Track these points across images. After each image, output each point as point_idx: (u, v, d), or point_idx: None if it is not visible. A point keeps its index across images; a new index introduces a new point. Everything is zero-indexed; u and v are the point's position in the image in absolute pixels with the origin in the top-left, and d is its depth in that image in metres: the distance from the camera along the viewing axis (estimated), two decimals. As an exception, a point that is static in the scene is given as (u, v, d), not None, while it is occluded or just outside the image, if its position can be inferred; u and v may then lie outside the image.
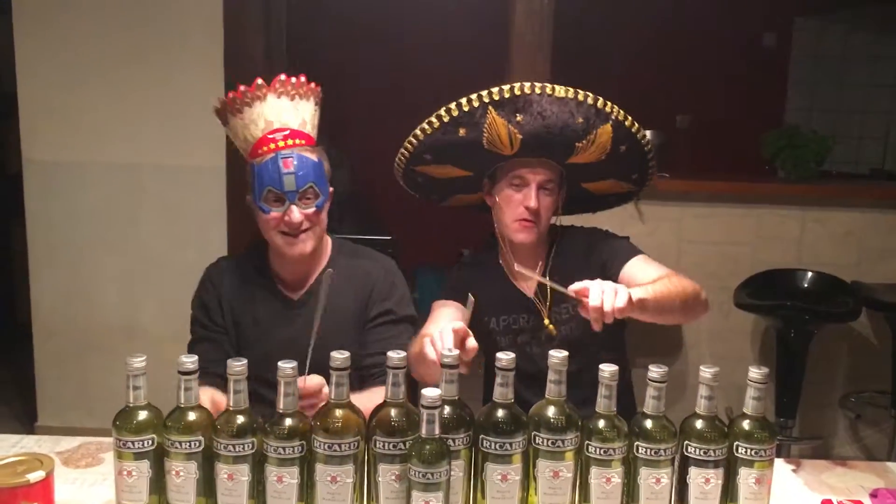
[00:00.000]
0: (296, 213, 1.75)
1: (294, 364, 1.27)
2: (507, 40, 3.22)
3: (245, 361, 1.29)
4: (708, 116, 4.71)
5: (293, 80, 1.79)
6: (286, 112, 1.78)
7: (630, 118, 1.79)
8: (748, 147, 3.66)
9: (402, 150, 1.88)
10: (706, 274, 3.09)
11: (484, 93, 1.74)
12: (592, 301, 1.49)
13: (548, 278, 1.80)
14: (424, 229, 3.34)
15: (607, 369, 1.29)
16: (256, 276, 1.90)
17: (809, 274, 3.14)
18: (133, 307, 3.34)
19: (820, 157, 3.36)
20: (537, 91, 1.73)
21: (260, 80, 1.77)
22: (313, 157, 1.78)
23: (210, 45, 3.15)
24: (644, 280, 1.75)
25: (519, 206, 1.86)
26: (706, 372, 1.31)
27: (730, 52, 4.79)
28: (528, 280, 1.95)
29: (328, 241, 1.93)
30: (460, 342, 1.43)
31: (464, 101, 1.76)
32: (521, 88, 1.73)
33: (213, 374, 1.71)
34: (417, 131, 1.82)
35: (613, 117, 1.77)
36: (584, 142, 1.79)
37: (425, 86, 4.56)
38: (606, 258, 1.91)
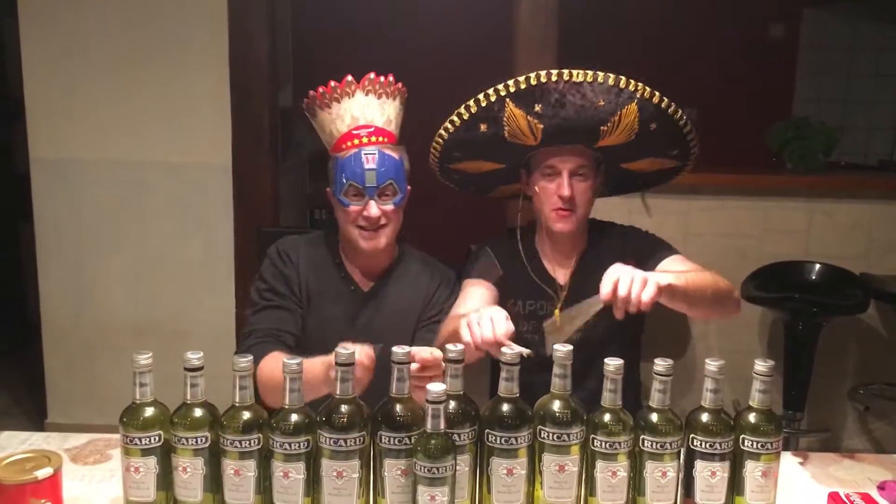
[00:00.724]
0: (374, 209, 1.79)
1: (299, 360, 1.27)
2: (511, 36, 3.21)
3: (250, 358, 1.29)
4: (715, 109, 4.69)
5: (381, 79, 1.84)
6: (372, 109, 1.82)
7: (658, 94, 1.74)
8: (755, 139, 3.64)
9: (432, 151, 1.90)
10: (713, 266, 3.06)
11: (500, 86, 1.74)
12: (620, 291, 1.49)
13: (575, 273, 1.87)
14: (432, 225, 3.34)
15: (612, 363, 1.29)
16: (328, 260, 1.92)
17: (817, 266, 3.12)
18: (141, 304, 3.35)
19: (828, 148, 3.34)
20: (553, 79, 1.71)
21: (350, 77, 1.82)
22: (395, 155, 1.82)
23: (215, 44, 3.15)
24: None
25: (553, 195, 1.85)
26: (712, 365, 1.31)
27: (737, 44, 4.76)
28: (564, 268, 1.94)
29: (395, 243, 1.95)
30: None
31: (481, 96, 1.76)
32: (538, 77, 1.71)
33: (284, 343, 1.77)
34: (441, 131, 1.84)
35: (638, 96, 1.73)
36: (608, 124, 1.76)
37: (431, 83, 4.57)
38: (641, 256, 1.89)
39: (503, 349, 1.31)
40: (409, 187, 1.87)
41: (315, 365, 1.47)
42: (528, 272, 1.94)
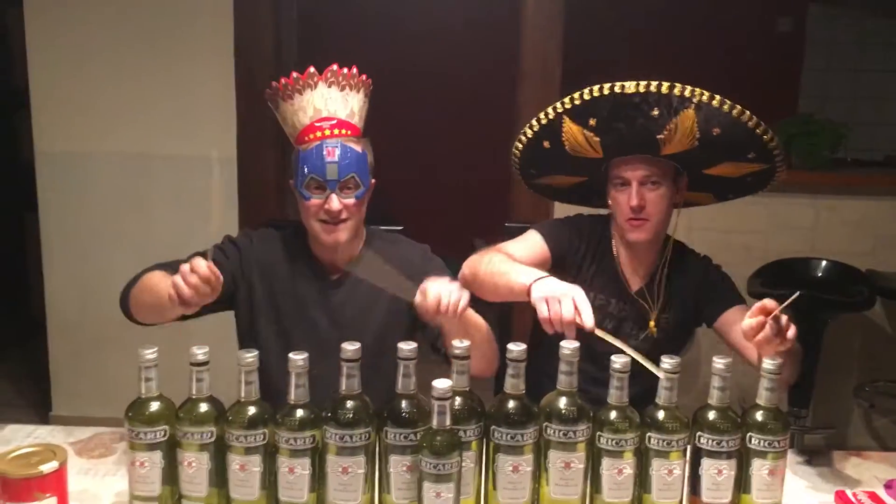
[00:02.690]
0: (335, 202, 1.76)
1: (305, 355, 1.27)
2: (518, 30, 3.20)
3: (255, 353, 1.29)
4: (721, 104, 4.68)
5: (344, 70, 1.81)
6: (335, 101, 1.79)
7: (718, 97, 1.67)
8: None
9: (514, 170, 1.95)
10: (718, 263, 3.07)
11: (558, 103, 1.75)
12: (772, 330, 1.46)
13: (658, 286, 1.91)
14: (434, 219, 3.34)
15: (619, 360, 1.28)
16: (299, 253, 1.91)
17: (823, 262, 3.11)
18: (146, 297, 3.34)
19: (834, 145, 3.33)
20: (605, 92, 1.69)
21: (312, 69, 1.79)
22: (358, 147, 1.79)
23: (220, 36, 3.14)
24: (738, 329, 1.64)
25: (625, 206, 1.83)
26: (719, 363, 1.30)
27: (743, 39, 4.74)
28: (636, 276, 1.94)
29: (363, 230, 1.94)
30: None
31: (541, 115, 1.78)
32: (591, 93, 1.70)
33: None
34: (514, 150, 1.88)
35: (695, 101, 1.67)
36: (665, 133, 1.73)
37: (436, 77, 4.56)
38: (710, 298, 1.91)
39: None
40: (373, 181, 1.84)
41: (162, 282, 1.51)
42: (614, 268, 1.94)
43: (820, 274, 3.10)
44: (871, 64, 4.84)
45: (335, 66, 1.80)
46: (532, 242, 1.92)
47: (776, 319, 1.45)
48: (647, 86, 1.67)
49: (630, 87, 1.67)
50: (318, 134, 1.77)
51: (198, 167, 3.27)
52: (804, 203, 3.25)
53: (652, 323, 1.91)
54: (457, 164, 4.51)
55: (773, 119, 3.50)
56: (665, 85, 1.66)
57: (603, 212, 1.98)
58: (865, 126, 4.63)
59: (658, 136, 1.74)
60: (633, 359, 1.32)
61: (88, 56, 3.18)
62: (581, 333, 1.45)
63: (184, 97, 3.21)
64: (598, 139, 1.77)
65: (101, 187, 3.29)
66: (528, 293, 1.56)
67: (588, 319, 1.48)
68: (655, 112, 1.69)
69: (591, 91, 1.70)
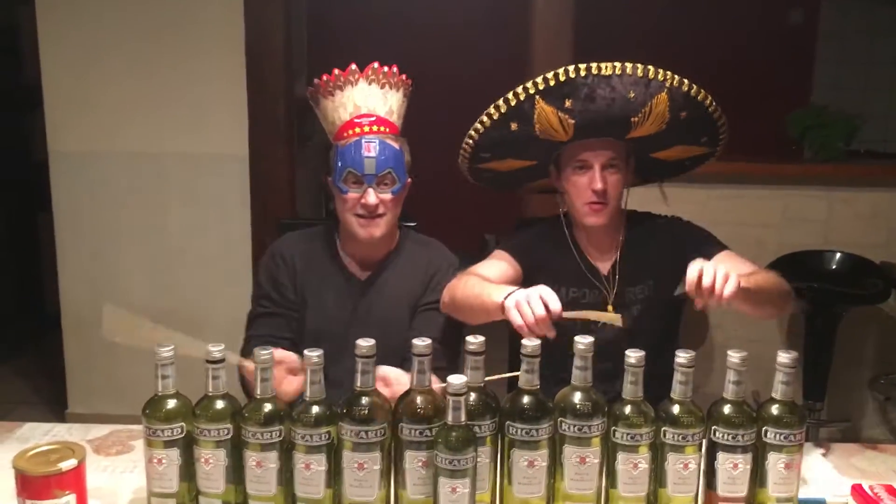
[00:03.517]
0: (372, 196, 1.79)
1: (320, 352, 1.27)
2: (528, 24, 3.19)
3: (270, 350, 1.30)
4: (732, 97, 4.64)
5: (385, 68, 1.84)
6: (375, 99, 1.83)
7: (687, 82, 1.73)
8: (773, 127, 3.61)
9: (461, 152, 1.89)
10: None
11: (529, 84, 1.72)
12: (705, 282, 1.46)
13: (619, 264, 1.89)
14: (447, 215, 3.33)
15: (633, 355, 1.28)
16: (324, 253, 1.94)
17: (837, 255, 3.10)
18: (159, 295, 3.36)
19: (848, 136, 3.31)
20: (581, 73, 1.69)
21: (354, 66, 1.82)
22: (395, 145, 1.82)
23: (231, 34, 3.15)
24: None
25: (586, 189, 1.83)
26: (734, 357, 1.30)
27: (755, 31, 4.72)
28: (602, 259, 1.94)
29: (396, 230, 1.96)
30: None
31: (510, 95, 1.75)
32: (566, 73, 1.69)
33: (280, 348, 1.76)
34: (471, 132, 1.83)
35: (668, 85, 1.71)
36: (639, 115, 1.74)
37: (446, 73, 4.56)
38: (690, 251, 1.83)
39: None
40: (409, 179, 1.87)
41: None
42: (576, 259, 1.93)
43: (834, 266, 3.09)
44: (883, 55, 4.80)
45: (376, 64, 1.83)
46: (502, 261, 1.92)
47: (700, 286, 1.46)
48: (623, 67, 1.68)
49: (607, 68, 1.68)
50: (357, 130, 1.80)
51: (210, 165, 3.28)
52: (817, 196, 3.23)
53: (610, 307, 1.89)
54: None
55: (785, 110, 3.50)
56: (640, 67, 1.69)
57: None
58: (878, 118, 4.60)
59: (632, 119, 1.75)
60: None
61: (100, 55, 3.20)
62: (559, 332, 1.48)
63: (195, 95, 3.22)
64: (572, 121, 1.75)
65: (114, 186, 3.30)
66: (502, 309, 1.57)
67: (555, 305, 1.49)
68: (632, 94, 1.71)
69: (566, 71, 1.69)
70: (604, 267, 1.94)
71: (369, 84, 1.83)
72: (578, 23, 3.15)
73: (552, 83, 1.70)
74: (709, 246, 1.88)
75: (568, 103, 1.72)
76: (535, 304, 1.49)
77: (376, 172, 1.79)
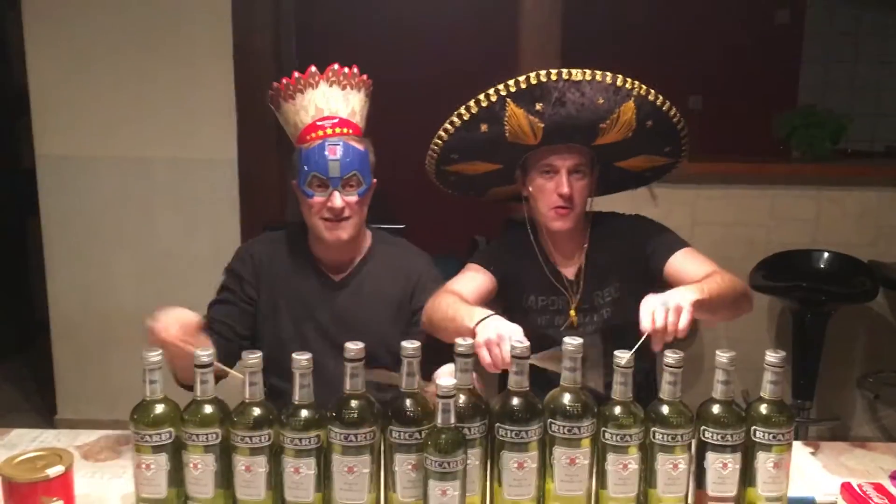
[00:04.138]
0: (338, 199, 1.78)
1: (309, 356, 1.27)
2: (516, 24, 3.20)
3: (259, 354, 1.29)
4: (720, 96, 4.67)
5: (345, 70, 1.83)
6: (336, 101, 1.82)
7: (654, 92, 1.75)
8: (760, 127, 3.63)
9: (429, 153, 1.88)
10: (721, 256, 3.02)
11: (501, 86, 1.72)
12: (658, 323, 1.45)
13: (584, 268, 1.89)
14: (435, 218, 3.33)
15: (623, 356, 1.28)
16: (297, 255, 1.93)
17: (826, 254, 3.11)
18: (149, 299, 3.32)
19: (836, 136, 3.32)
20: (553, 78, 1.70)
21: (314, 68, 1.81)
22: (359, 146, 1.81)
23: (219, 39, 3.14)
24: (691, 275, 1.73)
25: (552, 194, 1.83)
26: (722, 357, 1.30)
27: (742, 30, 4.74)
28: (568, 264, 1.94)
29: (367, 231, 1.96)
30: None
31: (482, 96, 1.75)
32: (538, 77, 1.70)
33: (218, 333, 1.80)
34: (441, 132, 1.82)
35: (635, 94, 1.74)
36: (607, 122, 1.76)
37: (434, 74, 4.55)
38: (651, 250, 1.88)
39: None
40: (374, 180, 1.86)
41: None
42: (541, 267, 1.94)
43: (822, 266, 3.10)
44: (870, 55, 4.83)
45: (336, 66, 1.81)
46: (475, 275, 1.91)
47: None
48: (594, 74, 1.71)
49: (577, 74, 1.71)
50: (320, 133, 1.79)
51: (199, 170, 3.27)
52: (806, 195, 3.25)
53: (572, 312, 1.89)
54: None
55: (772, 110, 3.52)
56: (609, 75, 1.72)
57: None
58: (865, 117, 4.63)
59: (600, 125, 1.77)
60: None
61: (88, 59, 3.19)
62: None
63: (184, 100, 3.21)
64: (542, 125, 1.76)
65: (103, 190, 3.29)
66: (474, 335, 1.54)
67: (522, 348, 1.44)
68: (601, 101, 1.73)
69: (538, 75, 1.71)
70: (569, 272, 1.94)
71: (330, 86, 1.81)
72: (566, 24, 3.15)
73: (524, 86, 1.71)
74: (668, 244, 1.88)
75: (538, 107, 1.73)
76: (505, 349, 1.45)
77: (341, 175, 1.77)
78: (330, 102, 1.81)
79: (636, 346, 1.33)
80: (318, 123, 1.80)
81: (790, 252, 3.14)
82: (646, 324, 1.46)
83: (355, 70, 1.84)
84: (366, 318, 1.87)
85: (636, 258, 1.88)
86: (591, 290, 1.91)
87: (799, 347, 3.04)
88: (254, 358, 1.28)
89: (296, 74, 1.81)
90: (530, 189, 1.88)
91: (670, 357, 1.29)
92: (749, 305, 1.80)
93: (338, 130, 1.80)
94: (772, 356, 1.31)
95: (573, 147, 1.83)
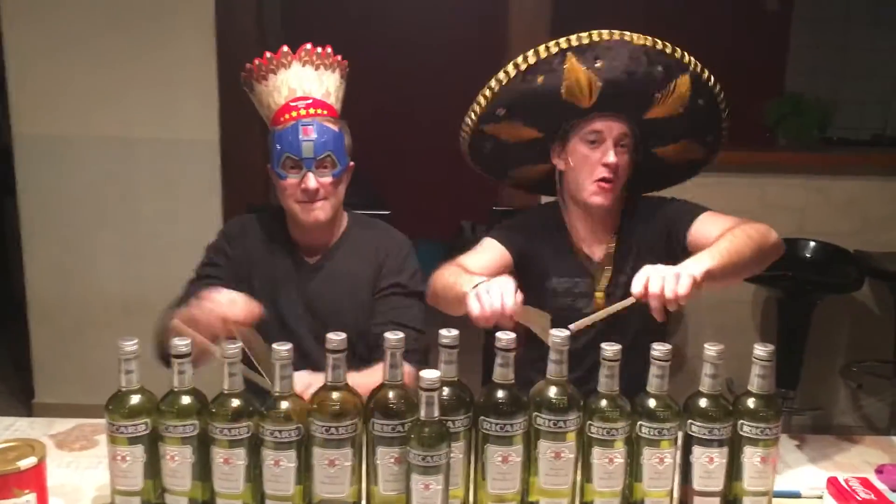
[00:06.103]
0: (312, 181, 1.75)
1: (289, 346, 1.24)
2: (505, 9, 3.16)
3: (239, 343, 1.26)
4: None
5: (318, 49, 1.80)
6: (310, 81, 1.78)
7: (707, 72, 1.74)
8: (748, 114, 3.60)
9: (474, 106, 1.82)
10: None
11: (562, 39, 1.70)
12: (652, 289, 1.41)
13: (615, 251, 1.86)
14: (423, 203, 3.30)
15: (609, 348, 1.26)
16: (277, 235, 1.90)
17: (812, 243, 3.11)
18: (129, 282, 3.31)
19: (823, 124, 3.32)
20: (615, 37, 1.69)
21: (286, 48, 1.77)
22: (334, 127, 1.78)
23: (201, 17, 3.09)
24: (711, 239, 1.67)
25: (597, 164, 1.78)
26: (710, 350, 1.28)
27: (729, 16, 4.71)
28: (596, 246, 1.91)
29: (344, 214, 1.93)
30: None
31: (542, 48, 1.71)
32: (600, 35, 1.69)
33: None
34: (493, 82, 1.76)
35: (691, 69, 1.72)
36: (663, 91, 1.74)
37: (422, 60, 4.51)
38: (671, 225, 1.84)
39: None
40: (351, 163, 1.83)
41: None
42: (567, 248, 1.90)
43: (808, 255, 3.10)
44: (858, 42, 4.82)
45: (308, 46, 1.78)
46: (490, 249, 1.88)
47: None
48: (655, 42, 1.70)
49: (638, 38, 1.70)
50: (294, 114, 1.76)
51: (180, 151, 3.22)
52: (793, 184, 3.24)
53: (599, 294, 1.87)
54: (444, 149, 4.46)
55: (759, 97, 3.49)
56: (669, 46, 1.71)
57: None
58: (852, 105, 4.63)
59: (655, 94, 1.74)
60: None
61: (68, 37, 3.12)
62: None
63: (165, 80, 3.16)
64: (599, 84, 1.72)
65: (82, 171, 3.23)
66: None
67: (508, 302, 1.44)
68: (660, 68, 1.71)
69: (599, 34, 1.69)
70: (597, 254, 1.91)
71: (303, 66, 1.78)
72: (557, 10, 3.12)
73: (586, 41, 1.69)
74: (686, 215, 1.84)
75: (599, 63, 1.70)
76: (493, 294, 1.45)
77: (315, 156, 1.74)
78: (303, 83, 1.78)
79: (616, 307, 1.31)
80: (292, 104, 1.76)
81: (776, 241, 3.13)
82: (637, 288, 1.44)
83: (329, 50, 1.81)
84: (338, 300, 1.85)
85: (661, 238, 1.84)
86: (620, 272, 1.87)
87: (784, 336, 3.04)
88: (233, 349, 1.25)
89: (268, 55, 1.78)
90: (570, 161, 1.83)
91: (658, 350, 1.27)
92: (777, 251, 1.75)
93: (311, 111, 1.76)
94: (760, 350, 1.29)
95: (620, 117, 1.79)
